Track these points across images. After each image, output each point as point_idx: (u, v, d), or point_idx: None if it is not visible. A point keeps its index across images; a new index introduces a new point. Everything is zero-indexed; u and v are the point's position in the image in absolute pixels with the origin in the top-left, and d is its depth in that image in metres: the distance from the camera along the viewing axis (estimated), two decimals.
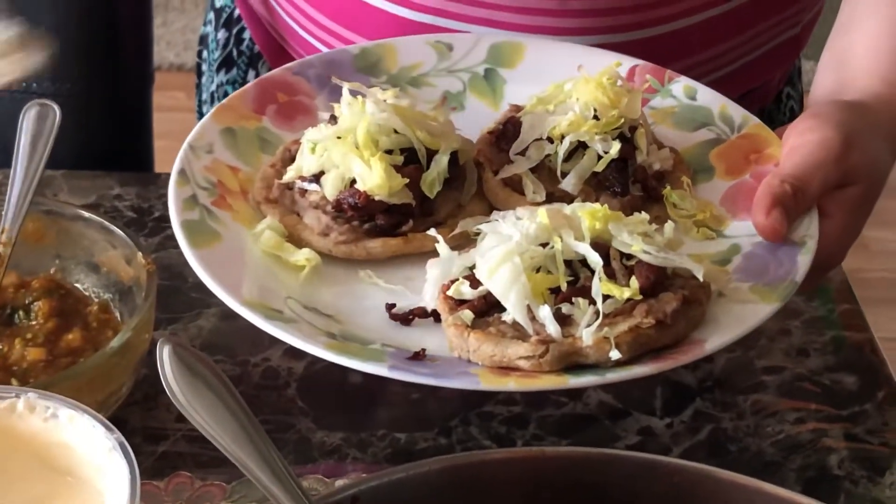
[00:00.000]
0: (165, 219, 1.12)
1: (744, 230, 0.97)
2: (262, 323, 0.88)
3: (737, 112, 1.06)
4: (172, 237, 1.10)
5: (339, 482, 0.91)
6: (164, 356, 0.75)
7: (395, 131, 0.97)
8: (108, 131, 1.34)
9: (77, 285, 1.00)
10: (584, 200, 0.96)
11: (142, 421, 0.95)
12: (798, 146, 0.98)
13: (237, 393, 0.76)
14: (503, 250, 0.88)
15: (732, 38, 1.18)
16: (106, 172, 1.18)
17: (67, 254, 1.00)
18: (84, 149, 1.29)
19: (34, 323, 0.96)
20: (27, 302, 0.97)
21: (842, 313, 1.07)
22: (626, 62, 1.08)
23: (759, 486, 0.78)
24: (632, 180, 1.00)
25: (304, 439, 0.95)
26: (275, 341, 1.00)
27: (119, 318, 0.98)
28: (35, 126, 1.01)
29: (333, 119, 1.00)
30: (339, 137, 0.97)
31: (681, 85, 1.08)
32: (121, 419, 0.93)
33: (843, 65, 1.05)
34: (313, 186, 0.98)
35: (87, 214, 1.00)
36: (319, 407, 0.98)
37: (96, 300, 0.99)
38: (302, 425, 0.96)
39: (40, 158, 0.99)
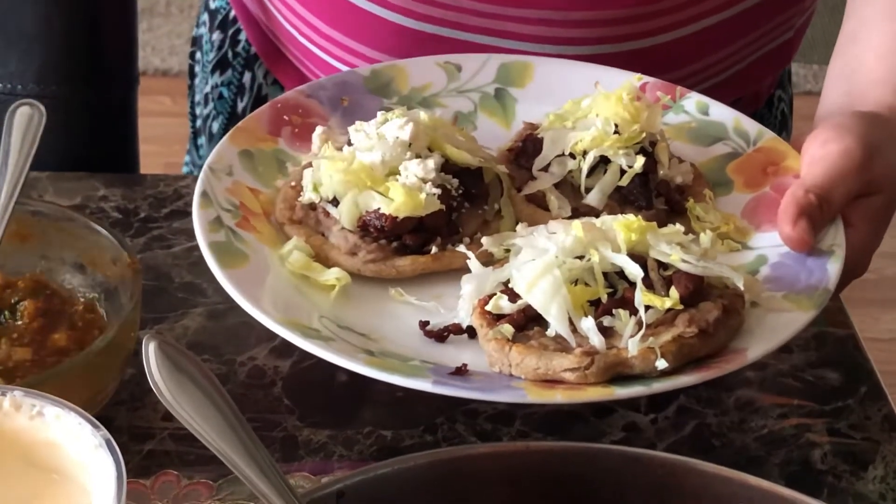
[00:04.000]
0: (151, 220, 1.13)
1: (768, 241, 0.98)
2: (301, 341, 0.88)
3: (751, 126, 1.07)
4: (158, 238, 1.11)
5: (325, 479, 0.91)
6: (150, 353, 0.76)
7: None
8: (93, 134, 1.34)
9: (63, 285, 1.00)
10: (609, 215, 0.96)
11: (128, 420, 0.95)
12: (820, 157, 0.98)
13: (223, 390, 0.76)
14: (542, 263, 0.88)
15: (728, 46, 1.18)
16: (91, 174, 1.18)
17: (53, 254, 1.00)
18: (69, 152, 1.28)
19: (20, 323, 0.96)
20: (13, 302, 0.97)
21: (825, 309, 1.07)
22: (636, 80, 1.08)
23: (743, 478, 0.79)
24: (654, 194, 1.00)
25: (291, 437, 0.95)
26: (261, 340, 1.01)
27: (105, 318, 0.98)
28: (21, 126, 1.01)
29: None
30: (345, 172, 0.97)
31: (693, 101, 1.09)
32: (107, 418, 0.93)
33: (854, 76, 1.06)
34: (335, 210, 0.98)
35: (72, 214, 1.00)
36: (305, 405, 0.98)
37: (82, 300, 0.99)
38: (288, 423, 0.96)
39: (26, 159, 0.99)
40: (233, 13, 1.32)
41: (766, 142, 1.05)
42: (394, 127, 0.99)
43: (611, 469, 0.80)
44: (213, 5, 1.35)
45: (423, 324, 0.93)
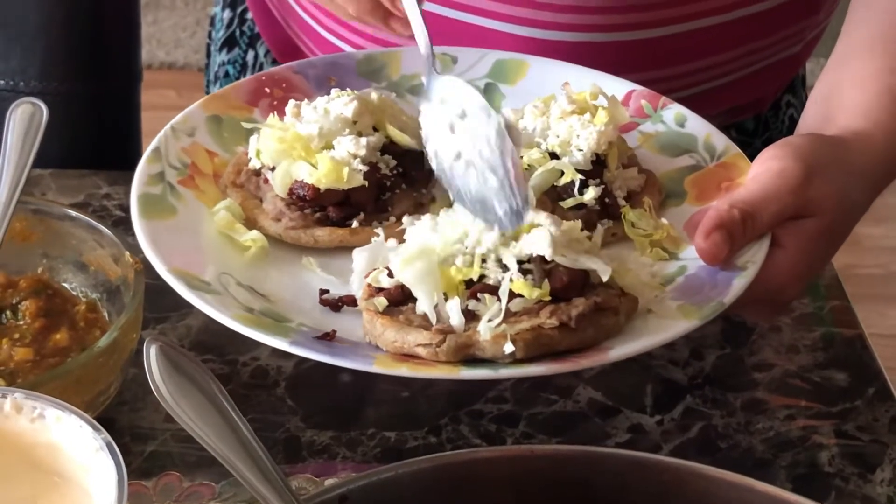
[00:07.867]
0: None
1: (694, 253, 0.96)
2: (184, 291, 0.90)
3: (720, 141, 1.05)
4: None
5: (329, 481, 0.90)
6: (151, 355, 0.75)
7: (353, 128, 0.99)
8: (96, 129, 1.33)
9: (64, 285, 1.00)
10: (542, 210, 0.95)
11: (130, 421, 0.95)
12: (758, 174, 0.97)
13: (225, 392, 0.76)
14: (419, 243, 0.89)
15: (730, 50, 1.17)
16: (94, 171, 1.18)
17: (55, 253, 1.00)
18: (72, 147, 1.28)
19: (21, 323, 0.96)
20: (14, 302, 0.97)
21: (832, 310, 1.07)
22: (624, 86, 1.08)
23: (749, 483, 0.78)
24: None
25: (294, 438, 0.95)
26: None
27: (107, 318, 0.97)
28: (22, 124, 1.00)
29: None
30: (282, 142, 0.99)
31: (672, 112, 1.08)
32: (109, 419, 0.93)
33: (830, 100, 1.04)
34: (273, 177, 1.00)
35: (74, 213, 0.99)
36: (309, 406, 0.97)
37: (84, 299, 0.99)
38: (291, 424, 0.96)
39: (27, 157, 0.99)
40: None
41: (728, 157, 1.04)
42: (340, 104, 1.00)
43: (615, 473, 0.79)
44: None
45: (322, 292, 0.94)
